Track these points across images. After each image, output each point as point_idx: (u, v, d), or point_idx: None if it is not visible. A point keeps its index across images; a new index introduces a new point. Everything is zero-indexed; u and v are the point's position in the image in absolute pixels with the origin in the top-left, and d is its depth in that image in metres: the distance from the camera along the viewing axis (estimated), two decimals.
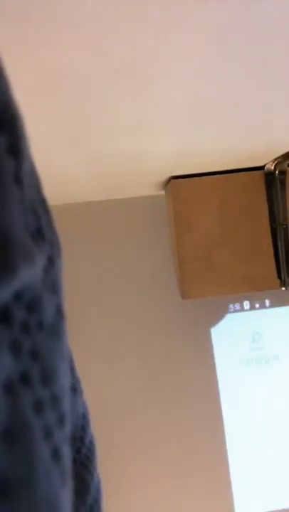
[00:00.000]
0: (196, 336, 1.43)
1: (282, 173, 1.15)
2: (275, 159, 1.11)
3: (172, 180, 1.17)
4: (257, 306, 1.45)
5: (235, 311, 1.45)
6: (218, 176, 1.18)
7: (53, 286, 0.16)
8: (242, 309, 1.45)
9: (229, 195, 1.18)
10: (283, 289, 1.18)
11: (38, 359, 0.15)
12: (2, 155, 0.14)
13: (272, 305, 1.45)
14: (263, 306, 1.45)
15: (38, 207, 0.16)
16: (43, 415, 0.14)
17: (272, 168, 1.15)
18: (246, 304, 1.45)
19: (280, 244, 1.18)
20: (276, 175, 1.15)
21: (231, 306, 1.45)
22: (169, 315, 1.42)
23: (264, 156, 1.06)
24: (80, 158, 0.86)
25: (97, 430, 0.30)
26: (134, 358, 1.41)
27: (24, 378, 0.14)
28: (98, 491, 0.27)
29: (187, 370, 1.42)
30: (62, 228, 0.23)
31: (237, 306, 1.45)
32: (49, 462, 0.14)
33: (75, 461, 0.26)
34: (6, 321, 0.14)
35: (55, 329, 0.16)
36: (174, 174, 1.17)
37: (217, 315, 1.44)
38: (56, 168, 0.91)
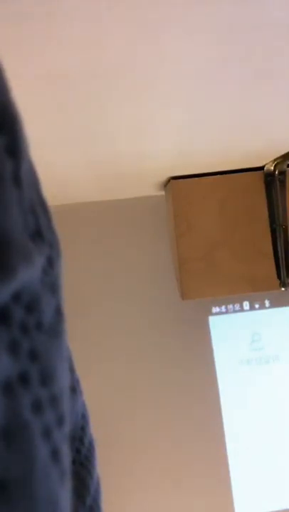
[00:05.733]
0: (196, 337, 1.43)
1: (282, 173, 1.15)
2: (275, 160, 1.11)
3: (172, 181, 1.17)
4: (257, 306, 1.45)
5: (235, 311, 1.45)
6: (218, 176, 1.18)
7: (53, 286, 0.16)
8: (242, 309, 1.45)
9: (229, 196, 1.18)
10: (283, 289, 1.18)
11: (37, 359, 0.15)
12: (1, 155, 0.14)
13: (272, 305, 1.45)
14: (262, 307, 1.45)
15: (37, 207, 0.16)
16: (42, 415, 0.14)
17: (272, 168, 1.14)
18: (246, 304, 1.45)
19: (280, 244, 1.18)
20: (276, 175, 1.15)
21: (231, 306, 1.45)
22: (169, 315, 1.42)
23: (264, 156, 1.06)
24: (80, 158, 0.86)
25: (97, 430, 0.30)
26: (134, 358, 1.41)
27: (23, 378, 0.14)
28: (97, 492, 0.27)
29: (187, 370, 1.42)
30: (62, 228, 0.23)
31: (237, 306, 1.45)
32: (48, 462, 0.14)
33: (74, 461, 0.26)
34: (4, 322, 0.14)
35: (54, 329, 0.16)
36: (174, 174, 1.17)
37: (216, 315, 1.44)
38: (56, 169, 0.91)
